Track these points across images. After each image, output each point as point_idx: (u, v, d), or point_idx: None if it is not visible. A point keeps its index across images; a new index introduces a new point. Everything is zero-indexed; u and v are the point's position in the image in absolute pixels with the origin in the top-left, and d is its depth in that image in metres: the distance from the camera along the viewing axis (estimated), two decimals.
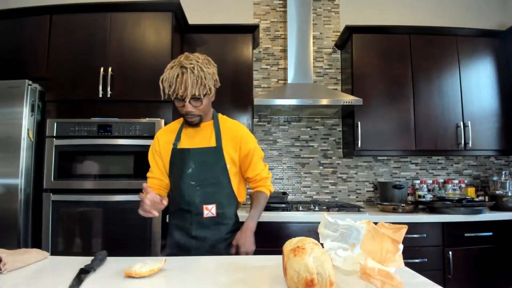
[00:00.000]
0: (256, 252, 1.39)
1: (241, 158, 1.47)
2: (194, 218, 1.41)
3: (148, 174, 1.53)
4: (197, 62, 1.28)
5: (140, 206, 1.21)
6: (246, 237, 1.38)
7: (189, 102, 1.31)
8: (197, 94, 1.27)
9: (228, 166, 1.43)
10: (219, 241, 1.43)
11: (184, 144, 1.45)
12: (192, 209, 1.41)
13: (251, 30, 2.66)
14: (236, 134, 1.46)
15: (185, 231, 1.43)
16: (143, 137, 2.25)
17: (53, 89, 2.35)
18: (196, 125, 1.41)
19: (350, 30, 2.74)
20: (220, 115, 1.53)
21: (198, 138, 1.45)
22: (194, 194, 1.40)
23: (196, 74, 1.25)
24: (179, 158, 1.44)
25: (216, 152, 1.42)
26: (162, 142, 1.49)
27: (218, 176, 1.42)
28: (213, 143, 1.43)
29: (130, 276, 0.85)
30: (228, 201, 1.46)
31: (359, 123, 2.63)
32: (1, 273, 0.86)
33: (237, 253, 1.36)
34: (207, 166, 1.41)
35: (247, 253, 1.35)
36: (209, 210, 1.41)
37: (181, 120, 1.51)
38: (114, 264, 1.00)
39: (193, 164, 1.41)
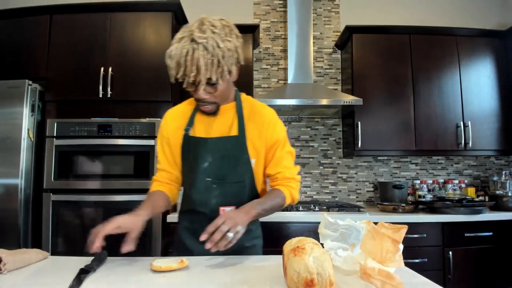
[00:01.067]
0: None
1: (266, 150, 1.20)
2: (208, 222, 1.07)
3: (157, 166, 1.30)
4: (213, 33, 0.98)
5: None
6: (239, 213, 1.03)
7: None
8: (213, 79, 1.00)
9: (252, 160, 1.18)
10: (239, 250, 1.13)
11: (198, 130, 1.20)
12: (206, 211, 1.18)
13: (251, 30, 2.66)
14: (262, 120, 1.20)
15: (197, 237, 1.10)
16: (143, 137, 2.25)
17: (53, 89, 2.36)
18: (212, 114, 1.16)
19: (350, 30, 2.74)
20: (244, 96, 1.26)
21: (216, 125, 1.19)
22: (209, 193, 1.18)
23: (211, 51, 0.96)
24: (193, 148, 1.19)
25: (238, 143, 1.17)
26: (171, 126, 1.24)
27: (240, 173, 1.18)
28: (234, 131, 1.18)
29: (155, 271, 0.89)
30: None
31: (359, 123, 2.63)
32: (1, 273, 0.86)
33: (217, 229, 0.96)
34: (227, 160, 1.17)
35: (231, 227, 0.96)
36: None
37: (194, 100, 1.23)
38: (114, 264, 1.00)
39: (210, 157, 1.17)
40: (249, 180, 1.20)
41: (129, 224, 0.99)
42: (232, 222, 0.97)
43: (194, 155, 1.18)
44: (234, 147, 1.17)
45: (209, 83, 1.03)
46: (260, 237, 1.32)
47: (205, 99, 1.08)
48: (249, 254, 1.18)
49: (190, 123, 1.21)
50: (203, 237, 0.95)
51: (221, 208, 1.17)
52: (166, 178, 1.27)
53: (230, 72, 1.04)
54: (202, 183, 1.18)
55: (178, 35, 1.01)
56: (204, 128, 1.20)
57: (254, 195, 1.23)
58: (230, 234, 0.96)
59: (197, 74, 0.98)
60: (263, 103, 1.29)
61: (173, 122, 1.24)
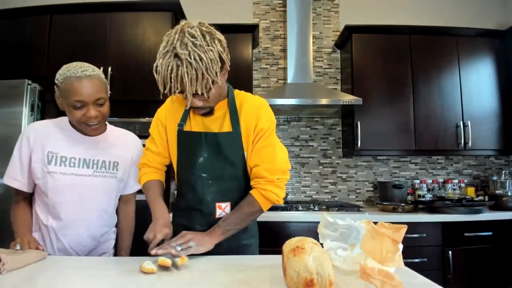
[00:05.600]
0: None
1: (252, 140, 1.18)
2: (204, 219, 1.18)
3: (149, 145, 1.28)
4: (194, 47, 0.97)
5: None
6: (204, 235, 1.09)
7: (193, 97, 1.06)
8: (199, 92, 1.00)
9: (246, 153, 1.19)
10: (235, 248, 1.18)
11: (193, 125, 1.21)
12: (202, 208, 1.18)
13: (250, 29, 2.66)
14: (251, 106, 1.18)
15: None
16: (143, 137, 2.23)
17: (53, 88, 2.35)
18: (207, 114, 1.17)
19: (349, 30, 2.74)
20: (236, 91, 1.25)
21: (210, 121, 1.19)
22: (205, 189, 1.18)
23: (195, 66, 0.96)
24: (188, 143, 1.19)
25: (233, 139, 1.17)
26: (170, 117, 1.24)
27: (236, 169, 1.19)
28: (227, 127, 1.18)
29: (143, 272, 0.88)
30: None
31: (358, 122, 2.63)
32: (0, 273, 0.86)
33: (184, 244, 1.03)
34: (222, 155, 1.17)
35: (184, 243, 1.03)
36: (223, 210, 1.18)
37: None
38: (115, 263, 1.00)
39: (205, 152, 1.17)
40: (244, 175, 1.21)
41: (170, 234, 1.08)
42: (193, 246, 1.03)
43: (189, 150, 1.19)
44: (229, 143, 1.17)
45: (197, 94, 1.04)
46: (256, 236, 1.31)
47: (199, 106, 1.10)
48: (246, 252, 1.21)
49: (184, 118, 1.21)
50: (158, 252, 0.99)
51: (217, 204, 1.18)
52: (158, 163, 1.29)
53: (215, 81, 1.02)
54: (198, 179, 1.18)
55: (162, 48, 1.00)
56: (198, 123, 1.20)
57: (249, 189, 1.21)
58: (178, 248, 1.01)
59: (183, 90, 1.00)
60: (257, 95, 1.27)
61: (171, 113, 1.24)
